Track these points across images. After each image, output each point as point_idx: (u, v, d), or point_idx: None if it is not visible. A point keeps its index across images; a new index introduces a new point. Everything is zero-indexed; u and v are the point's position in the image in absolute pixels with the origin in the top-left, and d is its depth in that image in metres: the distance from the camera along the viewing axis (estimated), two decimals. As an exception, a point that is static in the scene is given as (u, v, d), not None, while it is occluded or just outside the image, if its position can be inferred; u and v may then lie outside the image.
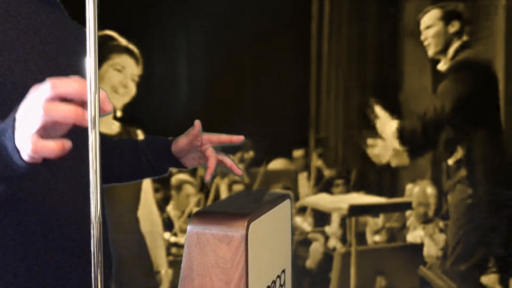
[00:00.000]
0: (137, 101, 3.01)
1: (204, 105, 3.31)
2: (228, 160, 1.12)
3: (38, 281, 0.85)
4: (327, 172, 3.54)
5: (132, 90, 2.96)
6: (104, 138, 1.18)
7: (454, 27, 3.00)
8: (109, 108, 0.61)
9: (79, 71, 0.92)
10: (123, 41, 2.94)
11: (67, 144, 0.64)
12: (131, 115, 3.00)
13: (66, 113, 0.61)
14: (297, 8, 3.50)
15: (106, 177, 1.14)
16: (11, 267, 0.83)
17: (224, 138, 1.11)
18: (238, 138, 1.11)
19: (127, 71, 2.93)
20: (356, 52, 3.51)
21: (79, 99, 0.62)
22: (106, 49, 2.90)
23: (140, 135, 3.02)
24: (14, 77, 0.81)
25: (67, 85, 0.61)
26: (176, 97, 3.36)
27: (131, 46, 2.97)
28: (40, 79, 0.82)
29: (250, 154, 3.53)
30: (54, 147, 0.62)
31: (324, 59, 3.57)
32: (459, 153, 3.06)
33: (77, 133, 0.87)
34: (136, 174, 1.19)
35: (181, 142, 1.12)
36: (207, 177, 1.09)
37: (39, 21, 0.90)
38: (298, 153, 3.55)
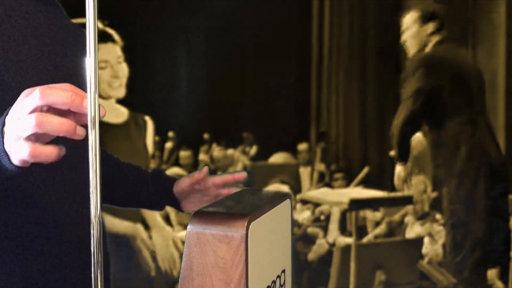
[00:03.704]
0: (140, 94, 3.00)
1: (206, 102, 3.31)
2: (229, 178, 1.11)
3: (35, 282, 0.85)
4: (328, 166, 3.54)
5: (124, 70, 2.92)
6: (111, 158, 1.17)
7: (430, 27, 3.04)
8: (102, 113, 0.61)
9: (76, 72, 0.91)
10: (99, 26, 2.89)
11: (62, 150, 0.64)
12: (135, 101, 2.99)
13: (58, 126, 0.61)
14: (298, 5, 3.49)
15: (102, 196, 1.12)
16: (8, 268, 0.83)
17: (227, 177, 1.11)
18: (241, 176, 1.10)
19: (110, 62, 2.89)
20: (357, 45, 3.50)
21: (66, 109, 0.62)
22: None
23: (149, 122, 3.00)
24: (10, 77, 0.81)
25: (56, 94, 0.62)
26: (178, 93, 3.36)
27: (108, 30, 2.92)
28: (37, 80, 0.82)
29: (253, 148, 3.53)
30: (52, 151, 0.63)
31: (324, 55, 3.56)
32: (457, 148, 3.06)
33: None
34: (133, 203, 1.18)
35: (183, 182, 1.11)
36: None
37: (36, 21, 0.89)
38: (299, 147, 3.55)
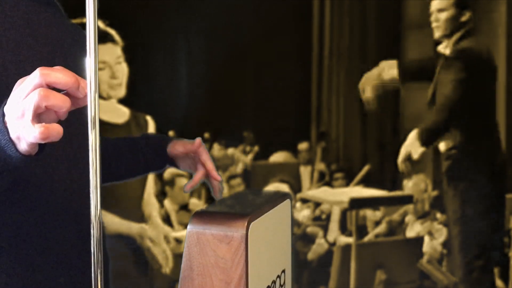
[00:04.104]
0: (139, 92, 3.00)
1: (206, 101, 3.31)
2: (211, 168, 1.13)
3: (33, 282, 0.85)
4: (329, 166, 3.54)
5: (124, 70, 2.93)
6: (102, 138, 1.18)
7: (465, 16, 3.00)
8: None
9: (75, 72, 0.91)
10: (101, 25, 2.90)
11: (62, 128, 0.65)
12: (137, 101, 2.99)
13: (62, 101, 0.62)
14: (298, 5, 3.49)
15: (104, 176, 1.13)
16: (6, 268, 0.83)
17: (210, 166, 1.12)
18: (217, 177, 1.12)
19: (109, 63, 2.89)
20: (358, 45, 3.50)
21: (65, 89, 0.63)
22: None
23: (150, 122, 3.00)
24: (8, 78, 0.81)
25: (59, 76, 0.63)
26: (178, 92, 3.36)
27: (109, 30, 2.92)
28: None
29: (255, 148, 3.53)
30: (59, 128, 0.63)
31: (325, 56, 3.56)
32: (457, 147, 3.05)
33: (72, 134, 0.87)
34: (134, 171, 1.20)
35: (177, 149, 1.13)
36: (187, 188, 1.12)
37: (35, 21, 0.89)
38: (300, 146, 3.55)
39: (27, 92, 0.63)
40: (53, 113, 0.64)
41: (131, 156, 1.17)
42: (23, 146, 0.66)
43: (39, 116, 0.63)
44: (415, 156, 3.12)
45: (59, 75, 0.62)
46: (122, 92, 2.91)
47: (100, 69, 2.86)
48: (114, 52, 2.90)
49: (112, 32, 2.91)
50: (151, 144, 1.18)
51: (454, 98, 3.02)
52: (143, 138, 1.20)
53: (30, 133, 0.63)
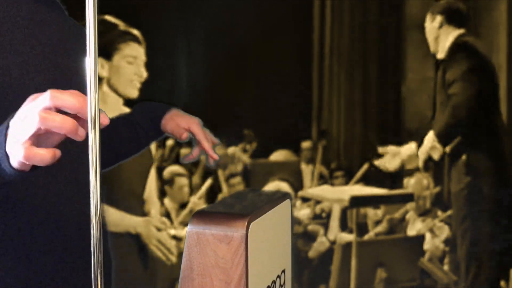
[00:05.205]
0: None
1: (206, 99, 3.31)
2: (205, 144, 1.14)
3: (38, 282, 0.85)
4: (329, 164, 3.54)
5: (144, 74, 2.96)
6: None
7: (437, 22, 3.05)
8: (106, 122, 0.62)
9: (78, 72, 0.91)
10: (121, 26, 2.92)
11: (58, 152, 0.65)
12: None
13: (61, 123, 0.62)
14: (299, 5, 3.49)
15: (106, 160, 1.14)
16: (10, 268, 0.83)
17: (206, 146, 1.16)
18: (214, 156, 1.15)
19: (139, 61, 2.92)
20: (358, 45, 3.50)
21: (73, 112, 0.63)
22: (113, 39, 2.88)
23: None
24: (11, 78, 0.81)
25: (67, 99, 0.62)
26: (178, 91, 3.36)
27: (134, 31, 2.95)
28: (38, 80, 0.82)
29: (254, 146, 3.53)
30: (45, 155, 0.64)
31: (326, 55, 3.56)
32: (458, 144, 3.05)
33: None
34: (135, 147, 1.22)
35: (169, 128, 1.17)
36: (186, 160, 1.17)
37: (38, 21, 0.89)
38: (303, 145, 3.55)
39: (32, 112, 0.63)
40: (57, 134, 0.64)
41: (129, 131, 1.19)
42: (13, 162, 0.66)
43: (39, 136, 0.64)
44: (436, 157, 3.13)
45: (67, 98, 0.62)
46: (135, 92, 2.93)
47: (129, 62, 2.89)
48: (140, 51, 2.94)
49: (137, 32, 2.94)
50: (146, 116, 1.20)
51: (466, 100, 3.02)
52: (137, 109, 1.22)
53: (16, 152, 0.64)
